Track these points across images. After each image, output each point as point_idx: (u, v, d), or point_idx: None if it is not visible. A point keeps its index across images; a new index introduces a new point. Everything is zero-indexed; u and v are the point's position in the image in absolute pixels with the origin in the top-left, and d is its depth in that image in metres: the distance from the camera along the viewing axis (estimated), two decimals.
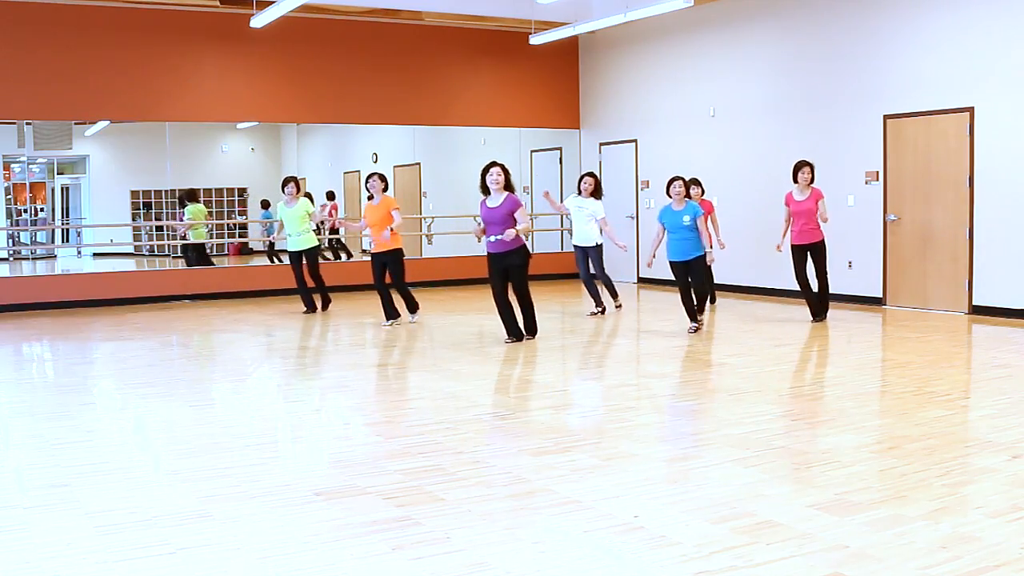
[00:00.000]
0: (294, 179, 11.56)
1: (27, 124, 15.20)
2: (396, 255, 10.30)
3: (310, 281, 11.70)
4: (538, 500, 4.34)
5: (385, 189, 10.40)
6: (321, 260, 12.87)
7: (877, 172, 11.44)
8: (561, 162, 16.57)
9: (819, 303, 10.21)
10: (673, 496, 4.35)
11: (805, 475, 4.64)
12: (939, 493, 4.33)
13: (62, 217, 18.42)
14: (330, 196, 17.23)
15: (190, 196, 14.63)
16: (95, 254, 16.90)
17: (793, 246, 10.08)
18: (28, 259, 17.76)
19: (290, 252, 11.63)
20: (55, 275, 15.13)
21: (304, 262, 11.58)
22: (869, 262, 11.59)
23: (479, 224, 9.01)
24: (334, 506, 4.28)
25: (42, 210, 18.18)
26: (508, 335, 9.06)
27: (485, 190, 8.84)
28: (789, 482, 4.53)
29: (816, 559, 3.54)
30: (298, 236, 11.44)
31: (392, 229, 10.06)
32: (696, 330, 9.45)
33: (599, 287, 11.19)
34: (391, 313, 10.42)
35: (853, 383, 7.02)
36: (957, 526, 3.88)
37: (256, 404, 7.02)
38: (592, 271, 11.08)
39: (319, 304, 11.81)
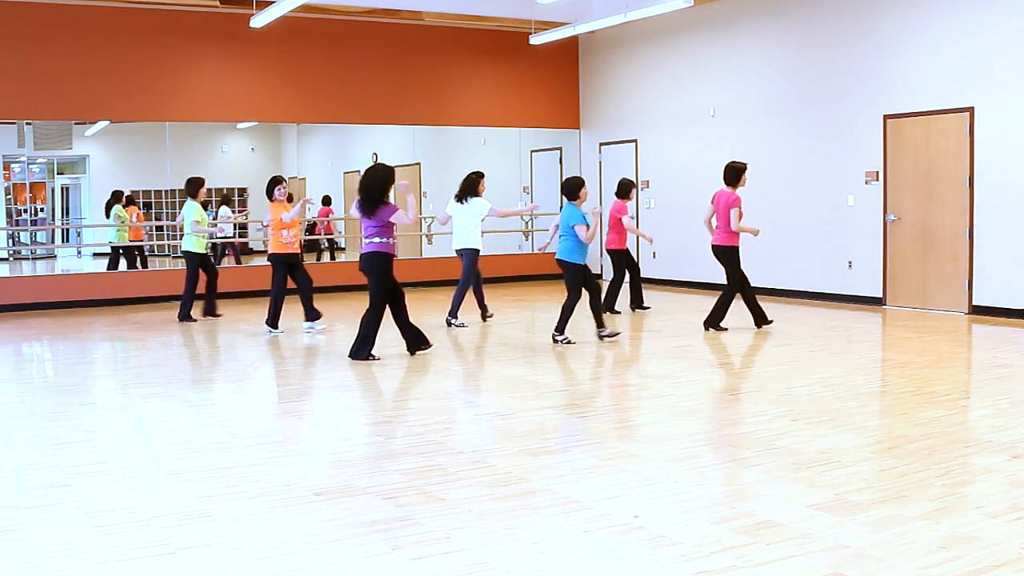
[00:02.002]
0: (203, 180, 11.23)
1: (27, 124, 15.20)
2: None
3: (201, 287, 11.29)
4: (538, 500, 4.34)
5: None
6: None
7: (877, 172, 11.43)
8: (561, 162, 16.56)
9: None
10: (673, 496, 4.35)
11: (805, 475, 4.64)
12: (939, 493, 4.33)
13: (62, 217, 18.43)
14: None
15: (115, 198, 14.55)
16: (95, 254, 16.90)
17: (737, 248, 9.55)
18: (28, 259, 17.77)
19: (201, 254, 11.17)
20: (55, 275, 15.14)
21: (187, 265, 11.17)
22: (869, 262, 11.59)
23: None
24: (334, 506, 4.28)
25: (42, 210, 18.19)
26: (424, 344, 8.51)
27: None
28: (789, 482, 4.53)
29: (816, 559, 3.54)
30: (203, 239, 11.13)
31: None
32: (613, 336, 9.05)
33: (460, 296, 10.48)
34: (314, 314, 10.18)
35: (853, 383, 7.02)
36: (957, 526, 3.88)
37: (256, 404, 7.02)
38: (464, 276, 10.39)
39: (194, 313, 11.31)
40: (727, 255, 9.51)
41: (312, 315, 10.22)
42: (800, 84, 12.39)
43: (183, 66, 13.43)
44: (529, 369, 7.99)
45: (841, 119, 11.84)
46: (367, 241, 8.17)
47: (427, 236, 16.42)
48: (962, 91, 10.47)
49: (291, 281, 10.15)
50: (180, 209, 11.36)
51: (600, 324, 9.12)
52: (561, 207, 9.35)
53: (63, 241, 18.15)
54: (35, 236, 17.98)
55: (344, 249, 18.29)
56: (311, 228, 17.53)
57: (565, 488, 4.46)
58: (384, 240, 8.09)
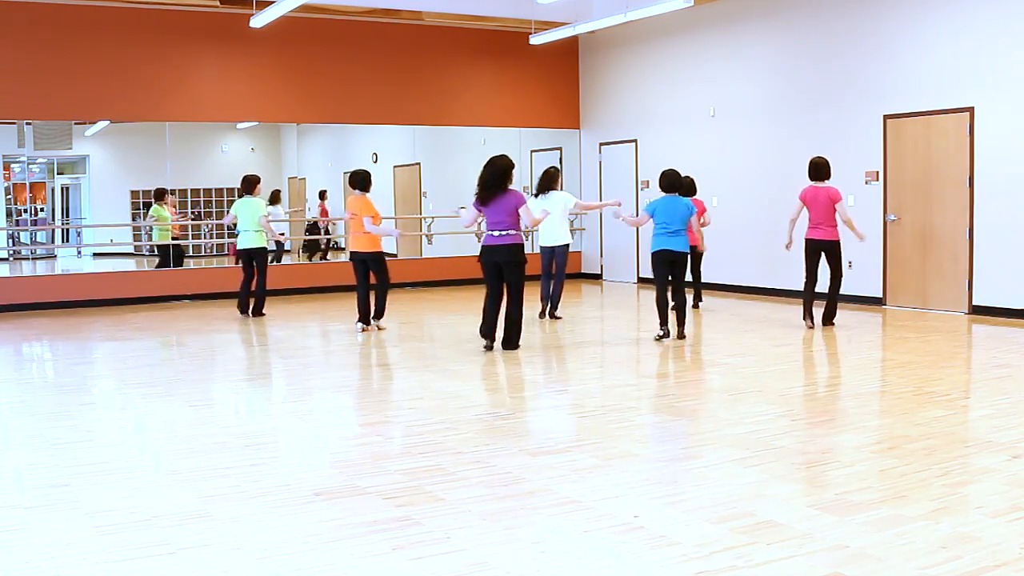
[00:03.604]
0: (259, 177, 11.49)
1: (27, 124, 15.20)
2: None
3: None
4: (538, 500, 4.34)
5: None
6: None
7: (877, 172, 11.43)
8: (561, 162, 16.56)
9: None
10: (673, 496, 4.35)
11: (805, 475, 4.64)
12: (939, 493, 4.32)
13: (62, 217, 18.43)
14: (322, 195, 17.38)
15: (157, 196, 14.60)
16: (95, 254, 16.90)
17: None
18: (28, 259, 17.76)
19: (260, 249, 11.31)
20: (55, 275, 15.13)
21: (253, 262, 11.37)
22: (869, 262, 11.59)
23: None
24: (334, 506, 4.28)
25: (42, 210, 18.18)
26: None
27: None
28: (789, 482, 4.53)
29: (816, 559, 3.54)
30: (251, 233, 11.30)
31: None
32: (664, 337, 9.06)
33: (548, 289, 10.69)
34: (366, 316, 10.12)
35: (853, 383, 7.01)
36: (957, 526, 3.88)
37: (256, 404, 7.02)
38: (554, 273, 10.55)
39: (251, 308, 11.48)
40: (834, 249, 9.69)
41: (377, 314, 10.12)
42: (800, 84, 12.39)
43: (183, 66, 13.43)
44: (528, 369, 7.99)
45: (841, 119, 11.84)
46: (499, 233, 8.36)
47: (427, 236, 16.42)
48: (962, 91, 10.46)
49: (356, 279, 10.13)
50: (229, 209, 11.52)
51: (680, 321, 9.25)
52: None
53: (63, 241, 18.14)
54: (35, 236, 17.97)
55: (343, 249, 18.30)
56: (313, 227, 17.54)
57: (565, 488, 4.46)
58: (518, 232, 8.45)
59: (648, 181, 14.94)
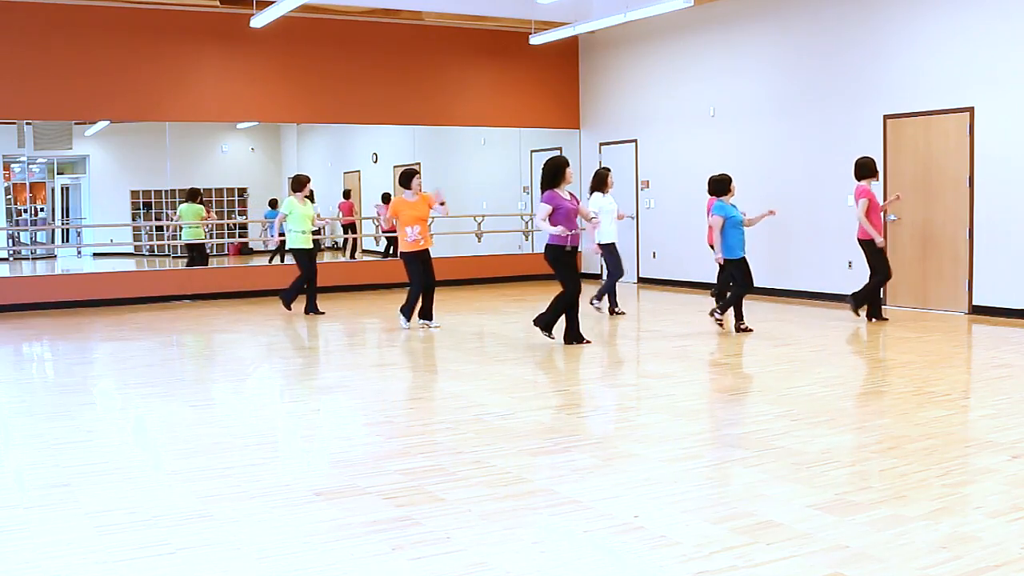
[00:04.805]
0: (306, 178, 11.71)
1: (27, 124, 15.21)
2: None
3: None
4: (538, 500, 4.34)
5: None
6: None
7: (877, 172, 11.41)
8: None
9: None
10: (673, 496, 4.35)
11: (805, 475, 4.64)
12: (939, 493, 4.32)
13: (62, 217, 18.44)
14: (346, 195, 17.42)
15: (191, 195, 14.62)
16: (95, 254, 16.91)
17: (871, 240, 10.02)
18: (28, 259, 17.77)
19: (307, 250, 11.54)
20: (55, 275, 15.14)
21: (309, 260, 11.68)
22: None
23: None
24: (334, 506, 4.28)
25: (42, 210, 18.19)
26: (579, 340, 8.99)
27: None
28: (789, 482, 4.53)
29: (816, 559, 3.54)
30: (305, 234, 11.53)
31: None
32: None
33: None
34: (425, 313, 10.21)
35: (853, 383, 7.01)
36: (957, 526, 3.88)
37: (256, 404, 7.02)
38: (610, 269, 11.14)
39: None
40: (863, 246, 10.07)
41: (428, 314, 10.22)
42: (800, 84, 12.39)
43: (183, 66, 13.43)
44: (529, 369, 7.99)
45: (841, 119, 11.83)
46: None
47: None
48: (962, 91, 10.46)
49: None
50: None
51: (724, 308, 9.60)
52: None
53: (63, 241, 18.15)
54: (35, 236, 17.98)
55: (344, 249, 18.30)
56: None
57: (565, 488, 4.46)
58: (558, 231, 8.50)
59: (648, 181, 14.94)
